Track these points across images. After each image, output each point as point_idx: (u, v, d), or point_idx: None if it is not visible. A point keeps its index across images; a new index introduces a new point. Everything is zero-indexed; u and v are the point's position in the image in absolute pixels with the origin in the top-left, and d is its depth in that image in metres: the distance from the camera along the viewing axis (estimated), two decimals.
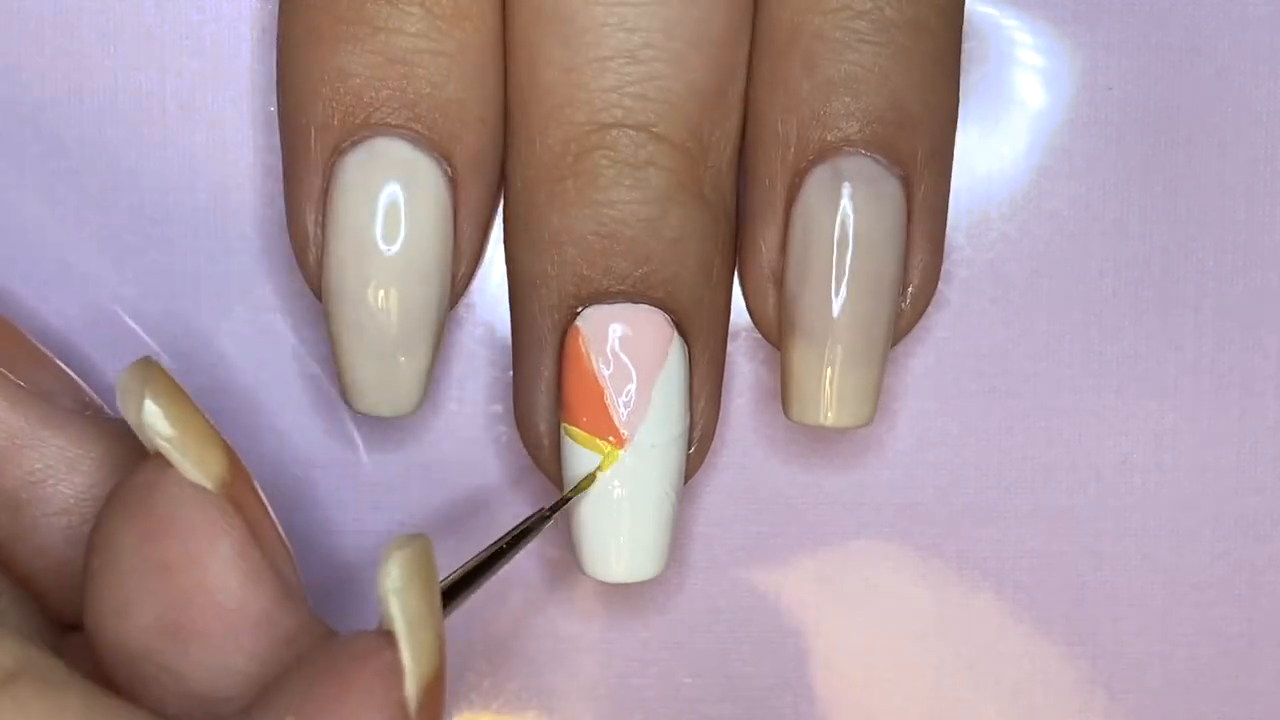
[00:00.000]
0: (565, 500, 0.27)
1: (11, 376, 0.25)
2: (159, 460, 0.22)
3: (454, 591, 0.24)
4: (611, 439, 0.26)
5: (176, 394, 0.22)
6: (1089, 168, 0.30)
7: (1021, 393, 0.30)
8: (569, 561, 0.30)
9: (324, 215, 0.26)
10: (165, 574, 0.22)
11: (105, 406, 0.26)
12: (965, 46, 0.28)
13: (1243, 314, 0.30)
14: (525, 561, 0.30)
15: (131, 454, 0.25)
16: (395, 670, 0.21)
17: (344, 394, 0.27)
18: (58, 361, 0.26)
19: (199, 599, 0.22)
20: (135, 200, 0.29)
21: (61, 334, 0.30)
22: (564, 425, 0.27)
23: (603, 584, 0.28)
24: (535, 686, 0.31)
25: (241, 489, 0.23)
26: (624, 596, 0.31)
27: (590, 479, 0.27)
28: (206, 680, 0.22)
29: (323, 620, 0.23)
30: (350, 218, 0.26)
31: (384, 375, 0.26)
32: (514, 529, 0.26)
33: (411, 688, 0.21)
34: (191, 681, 0.22)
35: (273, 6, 0.29)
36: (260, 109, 0.29)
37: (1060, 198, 0.30)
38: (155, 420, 0.22)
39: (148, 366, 0.22)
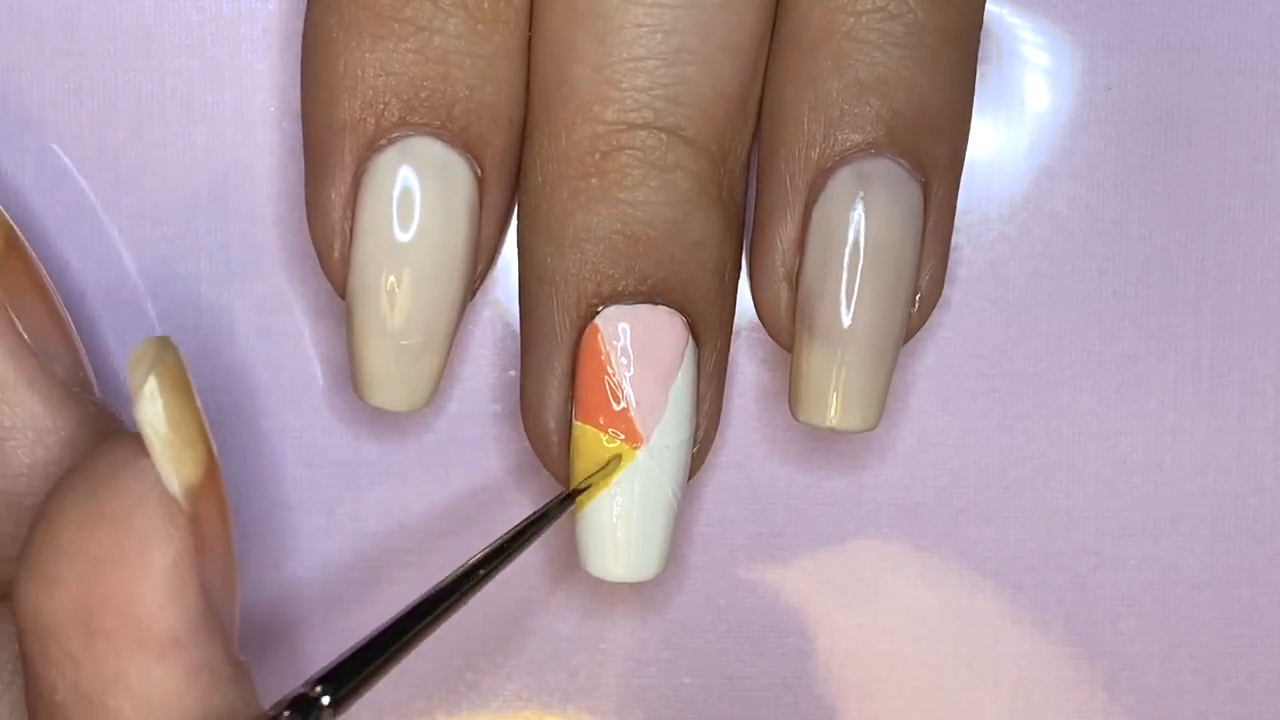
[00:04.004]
0: (585, 487, 0.27)
1: (19, 326, 0.25)
2: (136, 443, 0.22)
3: (471, 574, 0.24)
4: (625, 437, 0.26)
5: (180, 383, 0.22)
6: (1089, 168, 0.30)
7: (1021, 393, 0.30)
8: (569, 561, 0.30)
9: (353, 212, 0.26)
10: (93, 563, 0.21)
11: (96, 388, 0.26)
12: None
13: (1243, 314, 0.30)
14: (525, 561, 0.30)
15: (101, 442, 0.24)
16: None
17: (358, 388, 0.27)
18: (71, 327, 0.26)
19: (115, 599, 0.21)
20: (135, 200, 0.29)
21: None
22: (577, 424, 0.27)
23: (603, 583, 0.28)
24: (535, 686, 0.31)
25: (208, 503, 0.22)
26: (624, 596, 0.31)
27: (615, 464, 0.27)
28: (98, 682, 0.22)
29: (239, 660, 0.23)
30: (382, 216, 0.26)
31: (402, 371, 0.27)
32: (535, 512, 0.26)
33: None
34: (85, 678, 0.22)
35: (274, 6, 0.29)
36: (260, 109, 0.29)
37: (1060, 198, 0.30)
38: (149, 403, 0.21)
39: (164, 347, 0.22)
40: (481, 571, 0.25)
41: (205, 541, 0.22)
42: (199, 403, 0.22)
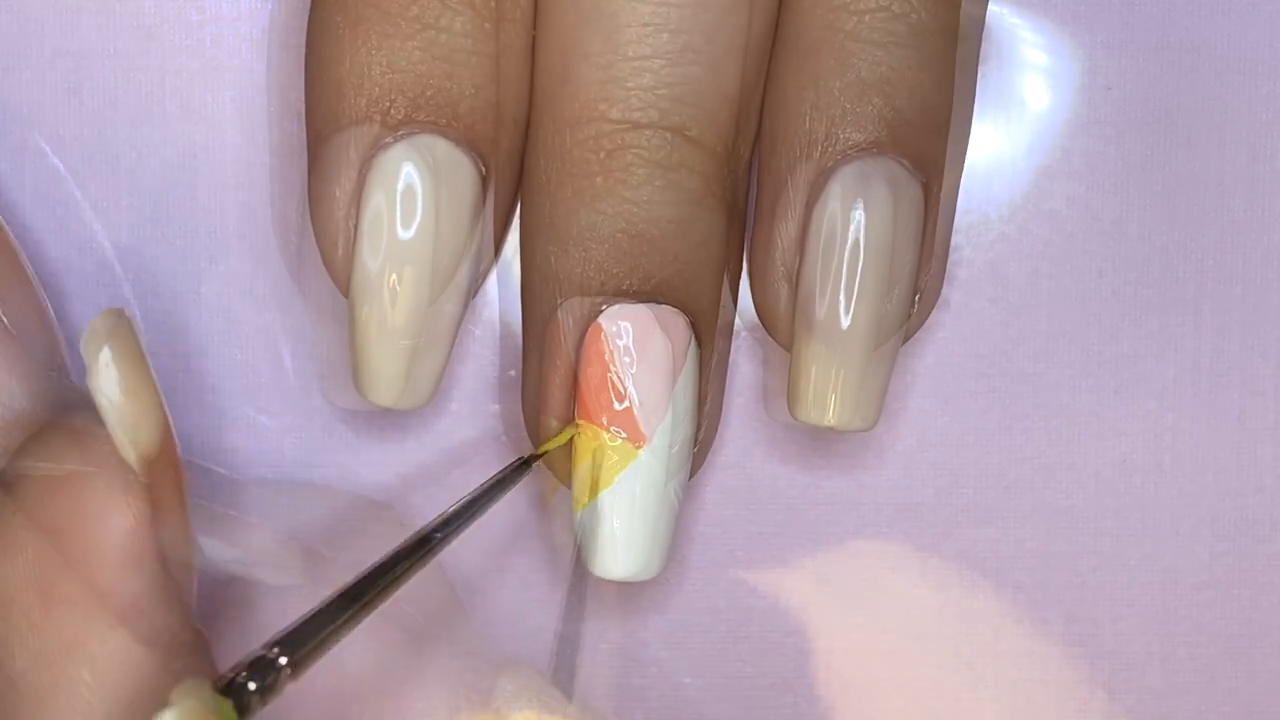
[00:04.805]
0: (542, 454, 0.27)
1: (1, 311, 0.25)
2: (92, 413, 0.22)
3: (427, 539, 0.24)
4: (627, 436, 0.26)
5: (135, 354, 0.22)
6: (1089, 168, 0.30)
7: (1021, 393, 0.30)
8: (569, 560, 0.30)
9: (357, 209, 0.26)
10: (52, 530, 0.22)
11: (73, 376, 0.26)
12: None
13: (1242, 314, 0.30)
14: (525, 560, 0.30)
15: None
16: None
17: (359, 386, 0.27)
18: (51, 316, 0.26)
19: (74, 567, 0.22)
20: (135, 200, 0.29)
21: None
22: (579, 423, 0.27)
23: (603, 583, 0.28)
24: (535, 686, 0.31)
25: (164, 472, 0.22)
26: (624, 596, 0.31)
27: (567, 435, 0.27)
28: (57, 648, 0.22)
29: (197, 627, 0.23)
30: (386, 213, 0.26)
31: (404, 369, 0.27)
32: (492, 477, 0.26)
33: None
34: (45, 645, 0.22)
35: (274, 6, 0.29)
36: (260, 109, 0.29)
37: (1060, 198, 0.30)
38: (105, 372, 0.22)
39: (118, 319, 0.22)
40: (438, 536, 0.25)
41: (162, 509, 0.22)
42: (154, 374, 0.22)
